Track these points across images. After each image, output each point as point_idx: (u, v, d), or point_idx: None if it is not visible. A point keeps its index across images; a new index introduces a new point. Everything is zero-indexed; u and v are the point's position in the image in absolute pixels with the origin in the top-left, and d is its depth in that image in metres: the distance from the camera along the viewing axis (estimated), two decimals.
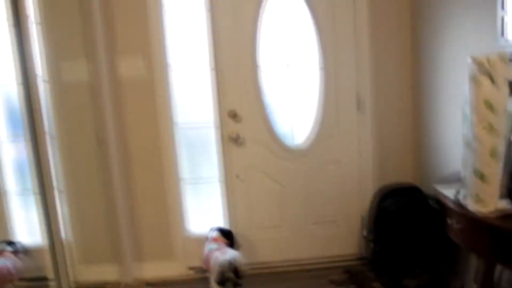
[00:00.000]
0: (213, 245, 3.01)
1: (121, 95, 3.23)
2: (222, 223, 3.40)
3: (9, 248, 3.13)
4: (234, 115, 3.26)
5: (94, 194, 3.31)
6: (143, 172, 3.33)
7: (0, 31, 3.04)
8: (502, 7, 2.10)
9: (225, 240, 3.11)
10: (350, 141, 3.34)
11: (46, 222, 2.56)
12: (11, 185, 3.44)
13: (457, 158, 2.62)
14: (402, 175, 3.31)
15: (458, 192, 2.08)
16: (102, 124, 3.16)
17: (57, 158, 3.13)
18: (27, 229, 3.37)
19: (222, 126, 3.30)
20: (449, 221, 2.18)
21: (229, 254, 2.81)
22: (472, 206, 1.95)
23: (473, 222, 1.95)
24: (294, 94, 3.31)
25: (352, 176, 3.37)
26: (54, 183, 2.67)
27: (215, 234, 3.15)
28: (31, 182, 3.35)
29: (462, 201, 2.02)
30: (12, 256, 3.08)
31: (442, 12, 2.78)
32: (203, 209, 3.48)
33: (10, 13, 2.45)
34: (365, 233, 3.24)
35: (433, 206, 2.81)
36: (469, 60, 1.88)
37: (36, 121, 2.48)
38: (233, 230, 3.34)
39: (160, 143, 3.29)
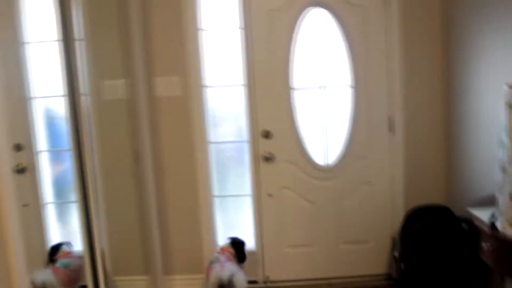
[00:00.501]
0: (217, 257, 3.10)
1: (158, 113, 3.34)
2: (252, 239, 3.45)
3: (67, 249, 3.21)
4: (267, 135, 3.34)
5: (128, 207, 3.40)
6: (177, 187, 3.42)
7: (48, 46, 3.22)
8: None
9: (232, 251, 3.18)
10: (382, 161, 3.37)
11: (87, 232, 2.65)
12: (49, 195, 3.57)
13: (489, 181, 2.64)
14: (433, 197, 3.32)
15: (493, 216, 2.10)
16: (139, 140, 3.27)
17: (96, 171, 3.24)
18: (64, 239, 3.49)
19: (255, 145, 3.37)
20: (483, 244, 2.19)
21: (228, 269, 2.89)
22: (507, 230, 1.96)
23: (508, 246, 1.97)
24: (327, 114, 3.36)
25: (383, 197, 3.39)
26: (92, 194, 2.78)
27: (225, 244, 3.23)
28: (70, 192, 3.48)
29: (498, 225, 2.04)
30: (76, 256, 3.16)
31: (477, 36, 2.81)
32: (234, 225, 3.54)
33: (60, 30, 2.58)
34: (395, 253, 3.24)
35: (464, 229, 2.81)
36: (505, 86, 1.92)
37: (81, 134, 2.59)
38: (263, 247, 3.39)
39: (193, 159, 3.38)
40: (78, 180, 2.61)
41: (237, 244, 3.23)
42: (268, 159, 3.36)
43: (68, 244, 3.25)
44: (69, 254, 3.16)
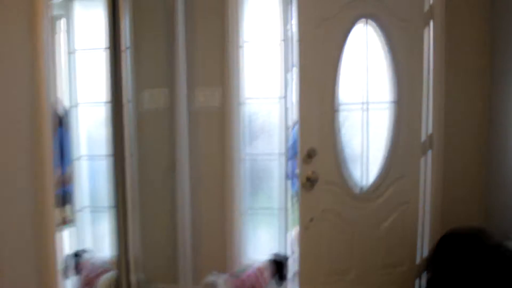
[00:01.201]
0: (247, 268, 3.17)
1: (196, 125, 3.38)
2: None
3: (89, 256, 3.27)
4: (309, 154, 3.16)
5: (161, 217, 3.44)
6: (209, 199, 3.44)
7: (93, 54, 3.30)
8: None
9: (266, 270, 3.15)
10: (421, 180, 3.27)
11: (120, 238, 2.67)
12: (85, 200, 3.64)
13: None
14: (471, 219, 3.21)
15: None
16: (176, 150, 3.31)
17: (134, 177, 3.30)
18: (94, 244, 3.55)
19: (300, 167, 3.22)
20: None
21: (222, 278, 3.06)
22: None
23: None
24: (367, 132, 3.27)
25: (420, 218, 3.29)
26: (130, 201, 2.83)
27: (263, 262, 3.22)
28: (102, 199, 3.54)
29: None
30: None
31: None
32: (264, 240, 3.52)
33: (108, 38, 2.64)
34: (429, 276, 3.16)
35: (503, 255, 2.72)
36: None
37: (123, 141, 2.63)
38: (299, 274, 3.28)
39: (227, 173, 3.40)
40: (116, 186, 2.64)
41: (277, 263, 3.20)
42: (310, 180, 3.17)
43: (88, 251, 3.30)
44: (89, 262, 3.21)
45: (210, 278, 3.10)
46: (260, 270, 3.17)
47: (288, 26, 3.35)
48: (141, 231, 3.46)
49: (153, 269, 3.45)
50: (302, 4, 3.09)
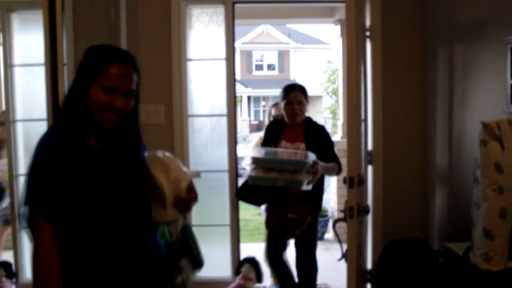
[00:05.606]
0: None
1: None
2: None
3: (3, 273, 3.09)
4: None
5: None
6: None
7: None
8: (511, 77, 2.24)
9: (251, 273, 3.11)
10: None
11: None
12: None
13: (467, 217, 2.69)
14: (411, 230, 3.31)
15: (468, 250, 2.14)
16: None
17: None
18: None
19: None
20: (458, 278, 2.23)
21: None
22: (482, 264, 2.00)
23: (482, 280, 2.00)
24: None
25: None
26: None
27: (244, 268, 3.15)
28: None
29: (472, 260, 2.08)
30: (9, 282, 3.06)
31: (454, 76, 2.93)
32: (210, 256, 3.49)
33: (48, 54, 2.59)
34: (373, 286, 3.24)
35: (441, 262, 2.84)
36: (480, 125, 2.00)
37: None
38: None
39: None
40: None
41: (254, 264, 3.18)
42: None
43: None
44: None
45: None
46: (245, 277, 3.12)
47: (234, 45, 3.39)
48: None
49: None
50: None
